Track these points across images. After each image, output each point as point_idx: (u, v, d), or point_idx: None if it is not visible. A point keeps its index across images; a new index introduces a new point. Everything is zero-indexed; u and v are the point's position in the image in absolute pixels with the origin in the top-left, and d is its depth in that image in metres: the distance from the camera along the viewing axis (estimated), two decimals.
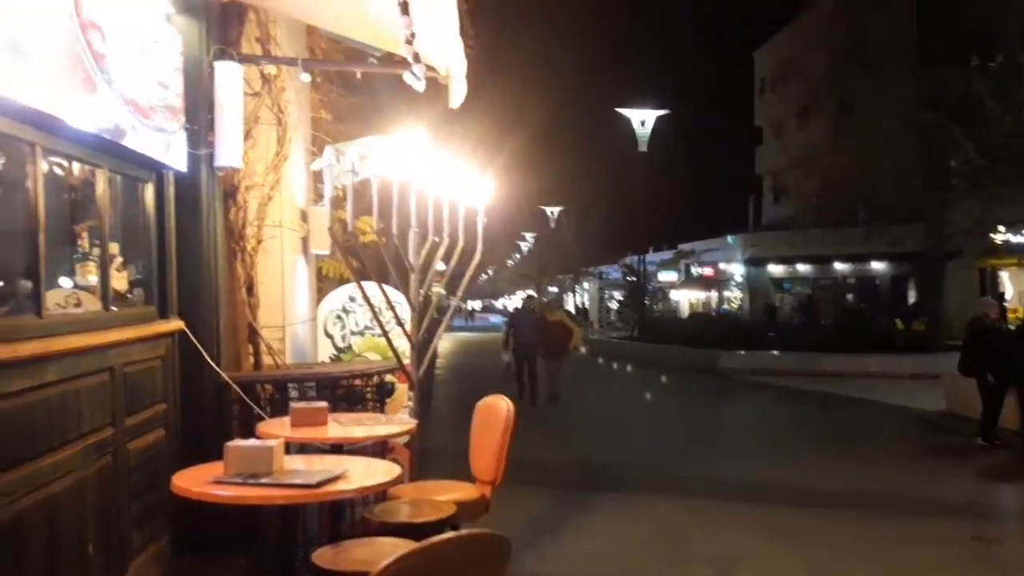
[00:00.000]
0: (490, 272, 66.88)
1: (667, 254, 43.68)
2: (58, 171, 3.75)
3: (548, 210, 42.61)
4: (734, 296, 39.19)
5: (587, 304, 45.82)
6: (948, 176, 21.92)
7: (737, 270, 37.83)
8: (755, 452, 9.66)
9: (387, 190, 3.98)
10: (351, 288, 6.08)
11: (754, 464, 8.79)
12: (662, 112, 25.57)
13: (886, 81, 24.63)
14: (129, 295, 4.07)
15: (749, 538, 5.88)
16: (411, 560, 1.89)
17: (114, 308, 3.71)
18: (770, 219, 40.11)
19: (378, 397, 5.20)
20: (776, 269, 36.20)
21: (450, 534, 2.00)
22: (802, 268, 35.66)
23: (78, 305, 3.64)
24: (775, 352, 20.07)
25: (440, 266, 5.06)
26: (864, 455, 9.35)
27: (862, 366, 17.84)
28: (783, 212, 39.38)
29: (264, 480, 2.62)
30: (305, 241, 6.27)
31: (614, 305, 45.42)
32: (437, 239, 4.51)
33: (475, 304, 73.74)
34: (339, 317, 6.08)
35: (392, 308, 5.02)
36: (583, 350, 14.68)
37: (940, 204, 21.38)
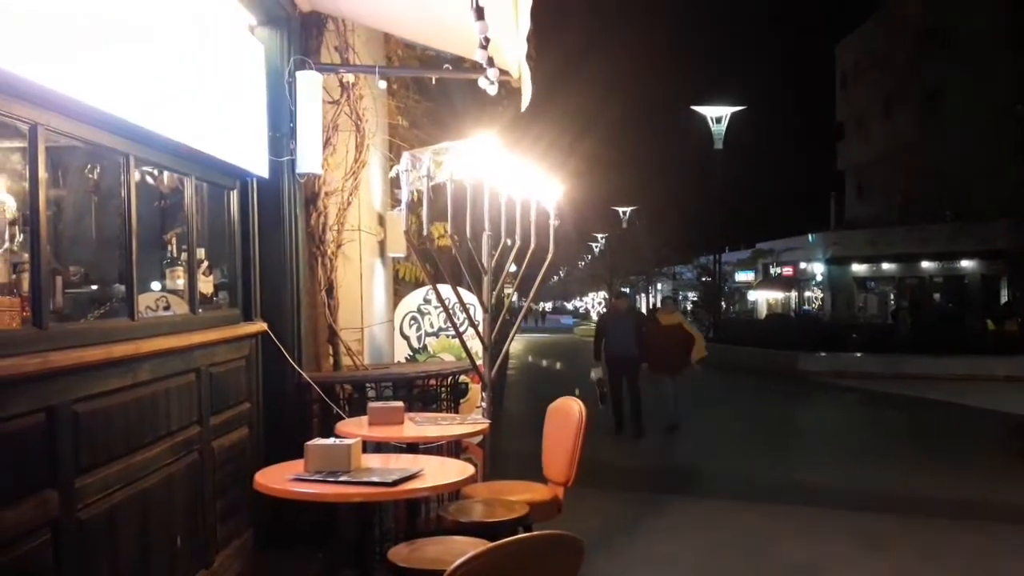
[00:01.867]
0: (561, 273, 66.83)
1: (744, 253, 42.92)
2: (149, 180, 3.93)
3: (620, 210, 42.33)
4: (815, 296, 38.24)
5: (660, 305, 45.37)
6: None
7: (818, 269, 36.91)
8: (837, 457, 9.41)
9: (461, 193, 4.03)
10: (426, 290, 6.17)
11: (837, 469, 8.57)
12: (738, 109, 25.13)
13: (977, 69, 23.66)
14: (215, 298, 4.23)
15: (831, 545, 5.73)
16: (484, 560, 1.92)
17: (200, 311, 3.85)
18: (853, 217, 38.99)
19: (452, 397, 5.27)
20: (859, 268, 35.18)
21: (524, 535, 2.02)
22: (887, 267, 34.56)
23: (167, 308, 3.81)
24: (858, 354, 19.51)
25: (512, 268, 5.10)
26: (953, 461, 9.01)
27: (950, 368, 17.19)
28: (866, 209, 38.23)
29: (342, 478, 2.70)
30: (382, 245, 6.39)
31: (688, 306, 44.86)
32: (510, 241, 4.55)
33: (546, 305, 73.75)
34: (414, 319, 6.19)
35: (466, 310, 5.08)
36: (699, 369, 10.86)
37: None
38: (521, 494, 3.88)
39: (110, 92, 2.84)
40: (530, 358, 26.31)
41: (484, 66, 3.62)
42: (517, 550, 1.95)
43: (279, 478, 2.76)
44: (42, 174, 2.66)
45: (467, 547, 2.97)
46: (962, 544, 5.85)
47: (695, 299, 44.11)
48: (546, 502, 3.91)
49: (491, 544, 1.98)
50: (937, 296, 33.34)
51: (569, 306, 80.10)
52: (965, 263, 31.93)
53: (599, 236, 48.67)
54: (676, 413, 10.60)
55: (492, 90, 4.23)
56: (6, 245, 2.90)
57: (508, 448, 6.67)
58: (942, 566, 5.39)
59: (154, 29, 3.17)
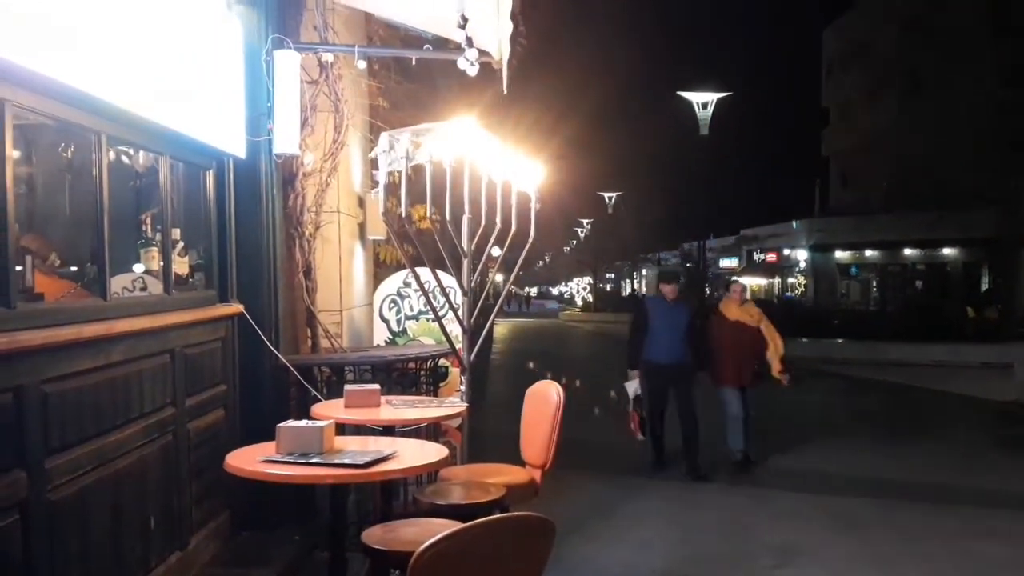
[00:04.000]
0: (547, 259, 66.90)
1: (728, 240, 43.06)
2: (124, 159, 3.88)
3: (605, 196, 42.35)
4: (798, 282, 38.49)
5: (644, 291, 45.45)
6: None
7: (801, 256, 37.12)
8: (817, 441, 9.47)
9: (441, 176, 4.00)
10: (406, 273, 6.15)
11: (816, 454, 8.62)
12: (724, 95, 25.10)
13: (959, 57, 23.76)
14: (190, 279, 4.19)
15: (811, 527, 5.78)
16: (453, 540, 1.92)
17: (175, 292, 3.81)
18: (837, 204, 39.20)
19: (431, 381, 5.26)
20: (842, 255, 35.41)
21: (494, 516, 2.02)
22: (870, 254, 34.81)
23: (144, 289, 3.77)
24: (839, 340, 19.67)
25: (495, 252, 5.08)
26: (931, 446, 9.10)
27: (930, 355, 17.36)
28: (851, 196, 38.45)
29: (314, 460, 2.68)
30: (362, 227, 6.35)
31: None
32: (492, 224, 4.52)
33: (531, 290, 73.87)
34: (394, 302, 6.16)
35: (445, 293, 5.06)
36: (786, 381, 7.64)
37: (1017, 187, 20.61)
38: (499, 477, 3.88)
39: (81, 69, 2.79)
40: (514, 343, 26.33)
41: (463, 47, 3.58)
42: (487, 531, 1.95)
43: (251, 460, 2.75)
44: (9, 151, 2.61)
45: (442, 529, 2.95)
46: (938, 527, 5.92)
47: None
48: (523, 485, 3.91)
49: (461, 525, 1.98)
50: (919, 284, 33.64)
51: (554, 291, 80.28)
52: (947, 251, 32.21)
53: (584, 221, 48.72)
54: (748, 441, 7.53)
55: (472, 71, 4.20)
56: None
57: (489, 431, 6.66)
58: (918, 547, 5.46)
59: (127, 4, 3.11)
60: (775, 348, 7.44)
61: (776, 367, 7.45)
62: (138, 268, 3.84)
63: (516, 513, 1.98)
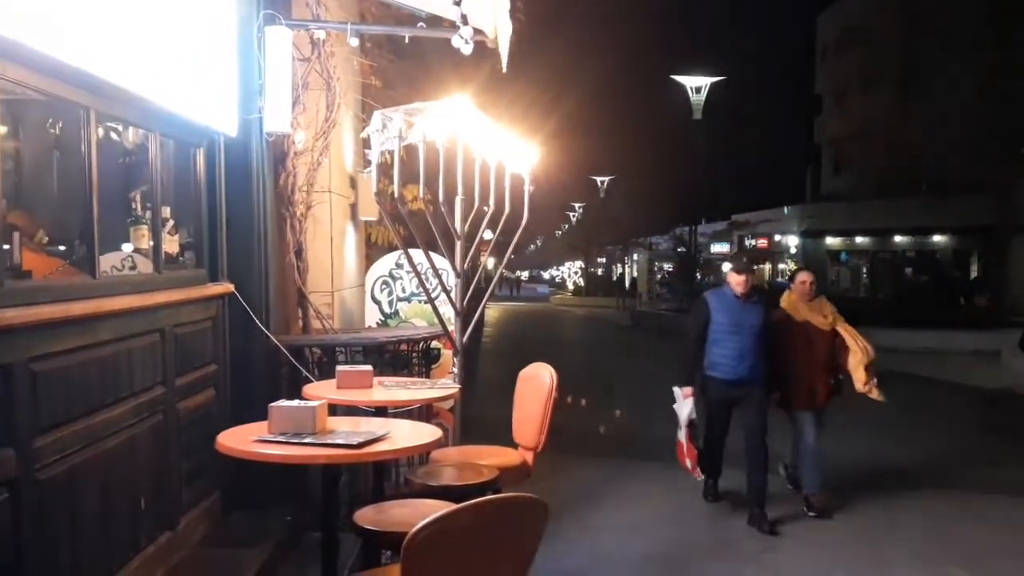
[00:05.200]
0: (538, 243, 66.85)
1: (720, 225, 43.10)
2: (113, 136, 3.83)
3: (598, 180, 42.29)
4: (788, 268, 38.59)
5: (636, 275, 45.54)
6: (1020, 146, 21.14)
7: (792, 242, 37.20)
8: None
9: (434, 156, 3.97)
10: (398, 255, 6.12)
11: None
12: (717, 79, 25.04)
13: (956, 45, 23.72)
14: (180, 258, 4.15)
15: (798, 512, 5.80)
16: (447, 521, 1.91)
17: (165, 271, 3.78)
18: (829, 190, 39.26)
19: (423, 362, 5.24)
20: (833, 241, 35.50)
21: (487, 497, 2.01)
22: (860, 240, 34.91)
23: (133, 268, 3.73)
24: None
25: (487, 234, 5.05)
26: (920, 432, 9.16)
27: (921, 342, 17.44)
28: (843, 183, 38.49)
29: (307, 440, 2.67)
30: (354, 207, 6.31)
31: (660, 276, 45.11)
32: (486, 208, 4.50)
33: (523, 274, 73.83)
34: (386, 283, 6.13)
35: (438, 275, 5.03)
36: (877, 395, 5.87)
37: (1010, 175, 20.66)
38: (491, 459, 3.87)
39: (71, 42, 2.74)
40: (505, 327, 26.34)
41: (458, 24, 3.54)
42: (481, 512, 1.94)
43: (242, 439, 2.72)
44: None
45: (434, 510, 2.94)
46: (928, 512, 5.96)
47: (669, 269, 44.33)
48: (516, 466, 3.91)
49: (454, 507, 1.97)
50: (909, 271, 33.76)
51: (545, 275, 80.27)
52: (938, 238, 32.32)
53: (576, 205, 48.66)
54: (816, 472, 5.83)
55: (467, 49, 4.16)
56: None
57: (481, 414, 6.65)
58: (906, 533, 5.49)
59: None
60: (862, 355, 5.78)
61: (861, 379, 5.79)
62: (127, 247, 3.80)
63: (510, 494, 1.97)
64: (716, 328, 5.59)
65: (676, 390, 5.80)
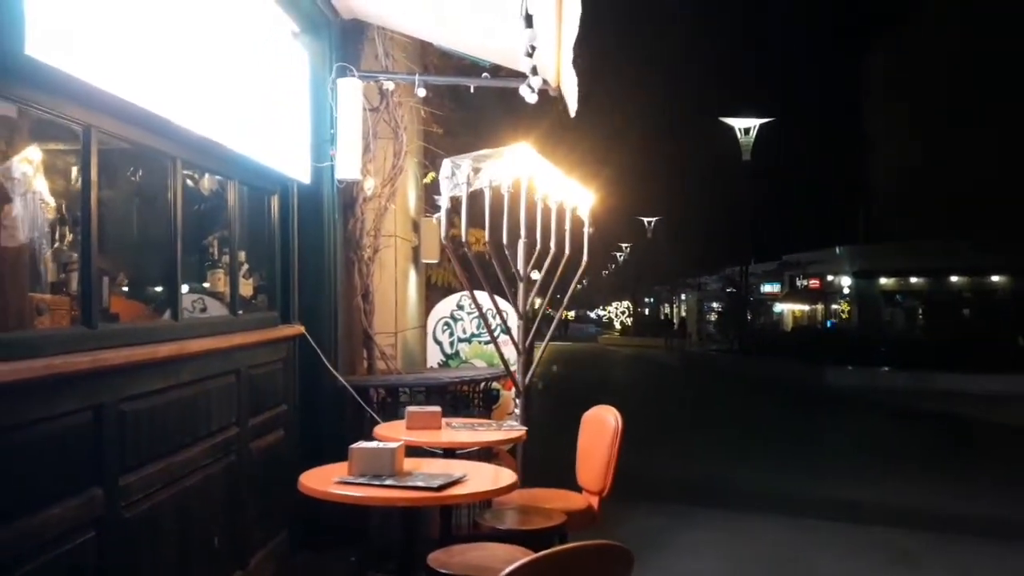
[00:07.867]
0: (585, 282, 66.76)
1: (770, 265, 42.59)
2: (189, 183, 3.97)
3: (645, 220, 42.24)
4: (841, 309, 37.88)
5: (684, 315, 45.15)
6: None
7: (845, 282, 36.55)
8: (867, 472, 9.28)
9: (499, 201, 4.04)
10: (459, 296, 6.20)
11: (865, 484, 8.44)
12: (766, 120, 24.97)
13: (1013, 86, 23.35)
14: (254, 300, 4.27)
15: (863, 560, 5.64)
16: (534, 567, 1.91)
17: (240, 313, 3.88)
18: (881, 230, 38.60)
19: (484, 403, 5.27)
20: (887, 282, 34.80)
21: (577, 543, 2.01)
22: (915, 281, 34.17)
23: (204, 310, 3.84)
24: (886, 368, 19.29)
25: (535, 275, 5.10)
26: (985, 479, 8.87)
27: (979, 385, 16.93)
28: (895, 223, 37.81)
29: (387, 481, 2.70)
30: (416, 251, 6.42)
31: (713, 317, 44.61)
32: (548, 249, 4.54)
33: (570, 313, 73.54)
34: (447, 324, 6.20)
35: (500, 316, 5.08)
36: None
37: None
38: (556, 502, 3.86)
39: (158, 94, 2.87)
40: (555, 367, 26.23)
41: (528, 74, 3.62)
42: (571, 559, 1.93)
43: (325, 480, 2.77)
44: (94, 176, 2.69)
45: (506, 554, 2.96)
46: (998, 564, 5.75)
47: (719, 310, 43.83)
48: (581, 511, 3.88)
49: (543, 552, 1.97)
50: (966, 312, 32.86)
51: (592, 315, 79.92)
52: (995, 278, 31.49)
53: (623, 245, 48.59)
54: None
55: (532, 99, 4.24)
56: (56, 245, 2.95)
57: (535, 455, 6.63)
58: None
59: (201, 34, 3.21)
60: None
61: None
62: (192, 289, 3.91)
63: (598, 541, 1.97)
64: None
65: None
